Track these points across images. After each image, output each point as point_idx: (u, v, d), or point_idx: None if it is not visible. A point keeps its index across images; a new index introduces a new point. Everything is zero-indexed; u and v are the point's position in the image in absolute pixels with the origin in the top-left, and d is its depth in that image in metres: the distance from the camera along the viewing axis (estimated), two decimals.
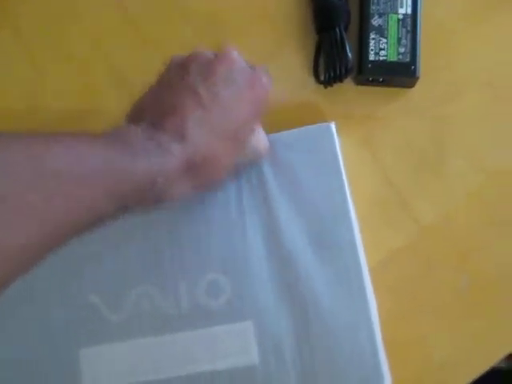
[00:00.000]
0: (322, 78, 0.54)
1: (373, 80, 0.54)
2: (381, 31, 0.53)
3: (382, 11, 0.53)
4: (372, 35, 0.53)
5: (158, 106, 0.42)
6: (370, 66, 0.53)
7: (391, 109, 0.55)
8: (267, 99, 0.45)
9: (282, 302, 0.49)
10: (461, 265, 0.52)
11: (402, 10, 0.53)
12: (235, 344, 0.48)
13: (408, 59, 0.53)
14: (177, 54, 0.45)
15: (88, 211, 0.36)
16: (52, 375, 0.49)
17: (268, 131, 0.51)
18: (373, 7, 0.54)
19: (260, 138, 0.48)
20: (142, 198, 0.39)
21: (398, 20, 0.53)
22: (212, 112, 0.41)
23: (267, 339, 0.48)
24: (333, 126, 0.51)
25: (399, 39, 0.53)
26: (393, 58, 0.53)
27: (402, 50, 0.53)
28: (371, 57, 0.53)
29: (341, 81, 0.54)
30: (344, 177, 0.50)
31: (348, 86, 0.55)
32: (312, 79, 0.55)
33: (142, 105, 0.44)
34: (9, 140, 0.34)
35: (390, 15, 0.53)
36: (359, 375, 0.47)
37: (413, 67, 0.53)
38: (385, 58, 0.53)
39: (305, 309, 0.48)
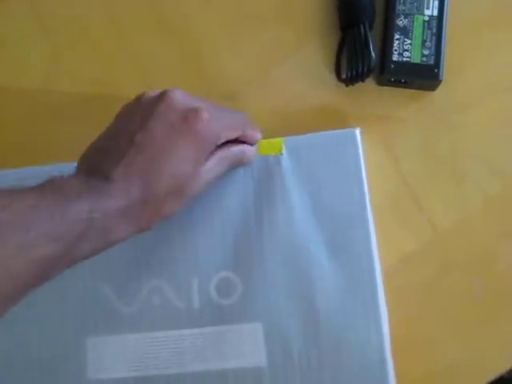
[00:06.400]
0: (343, 76, 0.54)
1: (395, 81, 0.53)
2: (405, 32, 0.52)
3: (407, 12, 0.53)
4: (396, 35, 0.53)
5: (97, 152, 0.43)
6: (392, 66, 0.52)
7: (412, 111, 0.54)
8: (210, 136, 0.43)
9: (293, 304, 0.48)
10: (474, 271, 0.52)
11: (428, 12, 0.53)
12: (244, 344, 0.48)
13: (432, 62, 0.52)
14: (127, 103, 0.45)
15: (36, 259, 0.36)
16: (58, 360, 0.50)
17: (287, 129, 0.51)
18: (399, 7, 0.53)
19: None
20: (85, 239, 0.39)
21: (424, 21, 0.52)
22: (146, 151, 0.41)
23: (276, 341, 0.48)
24: (357, 131, 0.51)
25: (424, 41, 0.52)
26: (416, 59, 0.52)
27: (426, 52, 0.52)
28: (394, 57, 0.52)
29: (362, 80, 0.53)
30: (365, 184, 0.50)
31: (369, 85, 0.54)
32: (333, 76, 0.55)
33: (87, 153, 0.44)
34: None
35: (415, 16, 0.53)
36: (366, 382, 0.47)
37: (436, 70, 0.52)
38: (408, 59, 0.52)
39: (315, 313, 0.48)
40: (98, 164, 0.41)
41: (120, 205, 0.40)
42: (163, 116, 0.42)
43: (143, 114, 0.42)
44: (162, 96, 0.43)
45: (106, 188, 0.40)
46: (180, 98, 0.43)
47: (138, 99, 0.44)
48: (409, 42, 0.52)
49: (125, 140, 0.42)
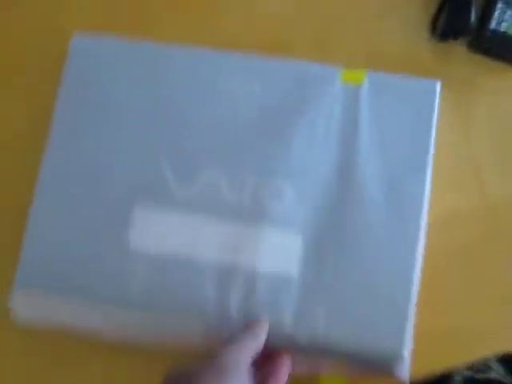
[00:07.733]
0: (438, 30, 0.54)
1: (486, 49, 0.54)
2: (509, 3, 0.53)
3: None
4: (500, 4, 0.53)
5: None
6: (488, 34, 0.53)
7: (494, 83, 0.55)
8: None
9: (337, 227, 0.49)
10: None
11: None
12: (280, 252, 0.49)
13: None
14: None
15: None
16: (104, 221, 0.51)
17: (371, 67, 0.52)
18: None
19: None
20: None
21: None
22: None
23: (311, 257, 0.49)
24: (438, 85, 0.52)
25: None
26: None
27: None
28: (492, 25, 0.53)
29: (455, 39, 0.54)
30: (433, 136, 0.51)
31: (460, 48, 0.55)
32: (426, 33, 0.56)
33: None
34: None
35: None
36: (385, 323, 0.48)
37: None
38: (506, 30, 0.53)
39: (355, 240, 0.49)
40: None
41: None
42: None
43: None
44: None
45: None
46: None
47: None
48: (510, 13, 0.53)
49: None
